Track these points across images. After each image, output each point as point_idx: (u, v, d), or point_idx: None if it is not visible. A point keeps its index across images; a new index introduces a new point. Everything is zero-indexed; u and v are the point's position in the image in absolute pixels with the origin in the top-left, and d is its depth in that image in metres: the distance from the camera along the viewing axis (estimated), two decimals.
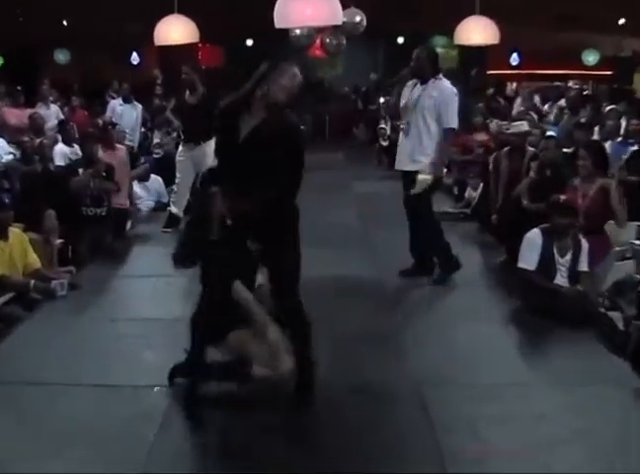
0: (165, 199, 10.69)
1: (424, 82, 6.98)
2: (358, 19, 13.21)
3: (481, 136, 11.93)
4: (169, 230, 9.31)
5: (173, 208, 9.49)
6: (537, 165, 8.07)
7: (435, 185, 7.04)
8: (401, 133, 7.24)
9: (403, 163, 7.17)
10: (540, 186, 7.64)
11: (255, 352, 4.60)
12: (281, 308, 4.55)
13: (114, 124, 11.02)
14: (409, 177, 7.06)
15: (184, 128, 9.46)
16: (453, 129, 7.04)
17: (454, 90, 7.06)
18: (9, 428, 4.38)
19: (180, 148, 9.54)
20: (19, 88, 12.75)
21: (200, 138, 8.97)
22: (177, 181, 9.57)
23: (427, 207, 7.09)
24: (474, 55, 19.04)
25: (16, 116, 11.61)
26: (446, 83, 7.05)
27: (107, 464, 3.99)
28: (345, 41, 14.54)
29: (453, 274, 7.14)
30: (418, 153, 6.97)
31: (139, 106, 13.67)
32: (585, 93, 16.87)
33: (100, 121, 11.94)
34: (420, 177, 6.90)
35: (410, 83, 7.15)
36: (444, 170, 10.12)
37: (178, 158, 9.54)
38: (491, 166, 8.90)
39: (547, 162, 8.00)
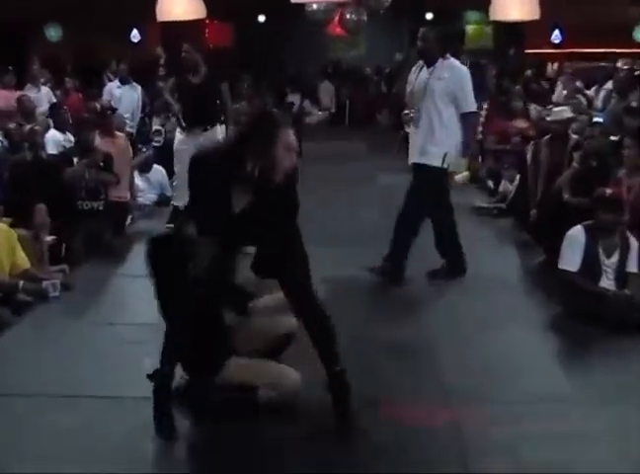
0: (168, 192, 10.74)
1: (431, 64, 6.96)
2: None
3: (521, 123, 11.89)
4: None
5: (176, 203, 9.52)
6: (581, 155, 8.02)
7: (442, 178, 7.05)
8: (411, 124, 7.20)
9: (415, 156, 7.15)
10: (584, 178, 7.61)
11: (258, 374, 4.69)
12: (304, 321, 4.59)
13: (113, 109, 11.05)
14: (420, 169, 7.07)
15: (186, 113, 9.30)
16: (473, 113, 7.03)
17: (467, 69, 7.06)
18: None
19: (179, 136, 9.30)
20: (10, 68, 12.77)
21: (207, 123, 8.94)
22: (176, 172, 9.54)
23: (431, 202, 7.11)
24: (511, 33, 19.03)
25: (4, 98, 11.59)
26: (457, 62, 7.04)
27: None
28: (366, 18, 14.53)
29: (390, 277, 7.12)
30: (430, 144, 6.96)
31: (139, 87, 13.68)
32: (636, 73, 16.76)
33: (97, 106, 11.92)
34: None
35: (414, 67, 7.14)
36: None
37: (178, 147, 9.28)
38: (529, 156, 8.85)
39: (592, 151, 7.95)
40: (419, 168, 7.06)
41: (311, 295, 4.52)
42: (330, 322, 4.53)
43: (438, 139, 6.92)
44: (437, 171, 6.95)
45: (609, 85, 14.03)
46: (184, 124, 9.19)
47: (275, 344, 4.93)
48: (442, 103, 6.89)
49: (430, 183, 6.99)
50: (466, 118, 6.94)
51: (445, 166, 6.92)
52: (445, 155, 6.88)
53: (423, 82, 6.96)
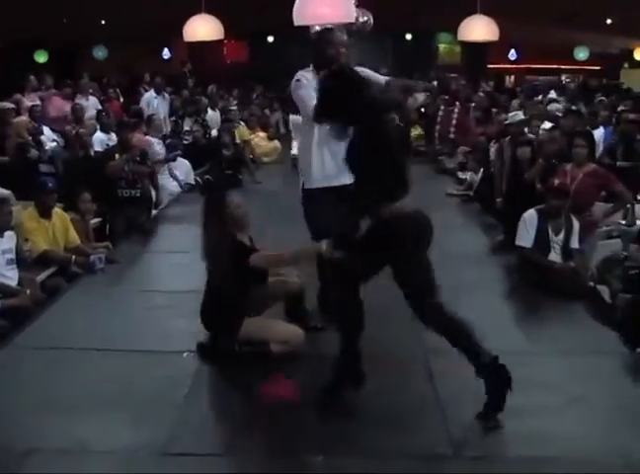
0: (192, 182, 10.80)
1: None
2: (365, 18, 13.10)
3: (486, 127, 11.77)
4: None
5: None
6: (544, 154, 7.81)
7: None
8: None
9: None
10: (547, 172, 7.48)
11: (270, 331, 4.72)
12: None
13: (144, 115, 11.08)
14: None
15: None
16: None
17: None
18: (47, 389, 4.33)
19: None
20: (69, 81, 13.09)
21: None
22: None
23: None
24: (476, 51, 18.94)
25: (60, 104, 11.97)
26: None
27: (136, 424, 3.95)
28: (346, 38, 14.37)
29: None
30: None
31: (168, 96, 13.59)
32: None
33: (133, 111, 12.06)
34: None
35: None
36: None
37: None
38: (494, 153, 8.84)
39: (553, 152, 7.76)
40: None
41: (423, 299, 4.07)
42: (455, 323, 4.07)
43: None
44: None
45: (553, 94, 14.02)
46: None
47: (287, 301, 5.08)
48: None
49: None
50: None
51: None
52: None
53: None
